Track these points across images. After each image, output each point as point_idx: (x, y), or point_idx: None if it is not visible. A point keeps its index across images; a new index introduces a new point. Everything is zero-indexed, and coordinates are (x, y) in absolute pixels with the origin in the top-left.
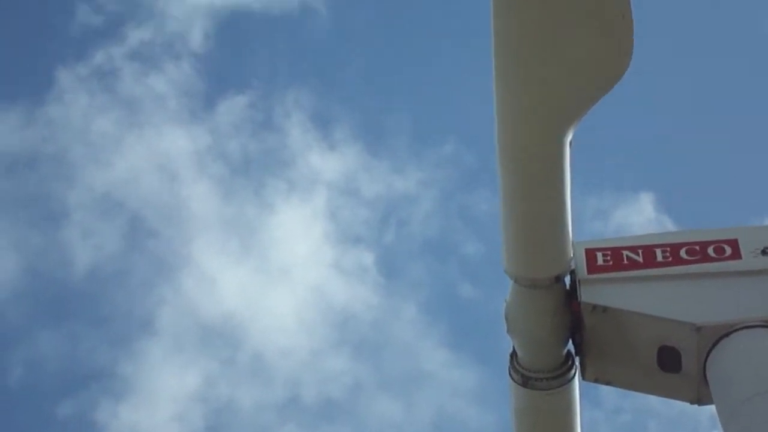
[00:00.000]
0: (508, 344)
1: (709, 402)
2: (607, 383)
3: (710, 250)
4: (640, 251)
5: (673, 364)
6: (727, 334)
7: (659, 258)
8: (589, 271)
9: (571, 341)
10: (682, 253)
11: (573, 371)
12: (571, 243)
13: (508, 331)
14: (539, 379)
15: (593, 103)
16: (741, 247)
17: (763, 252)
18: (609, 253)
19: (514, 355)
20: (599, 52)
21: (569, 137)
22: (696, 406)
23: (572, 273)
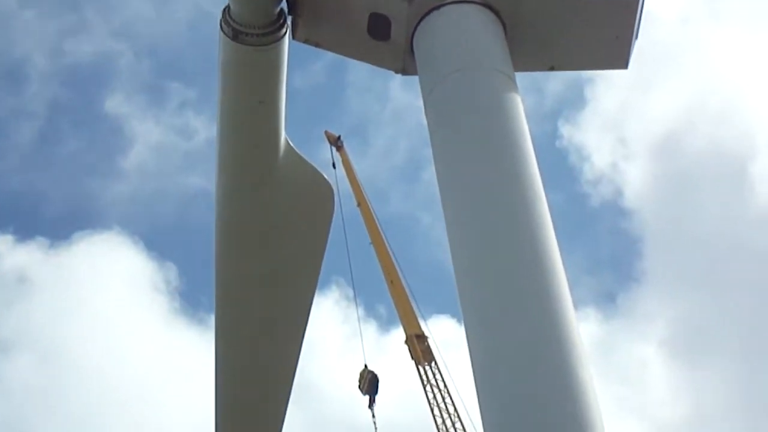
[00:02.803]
0: None
1: (414, 73)
2: (317, 45)
3: None
4: None
5: (383, 32)
6: (437, 7)
7: None
8: None
9: (285, 0)
10: None
11: (284, 30)
12: None
13: None
14: (250, 34)
15: None
16: None
17: None
18: None
19: (227, 8)
20: None
21: None
22: None
23: None
